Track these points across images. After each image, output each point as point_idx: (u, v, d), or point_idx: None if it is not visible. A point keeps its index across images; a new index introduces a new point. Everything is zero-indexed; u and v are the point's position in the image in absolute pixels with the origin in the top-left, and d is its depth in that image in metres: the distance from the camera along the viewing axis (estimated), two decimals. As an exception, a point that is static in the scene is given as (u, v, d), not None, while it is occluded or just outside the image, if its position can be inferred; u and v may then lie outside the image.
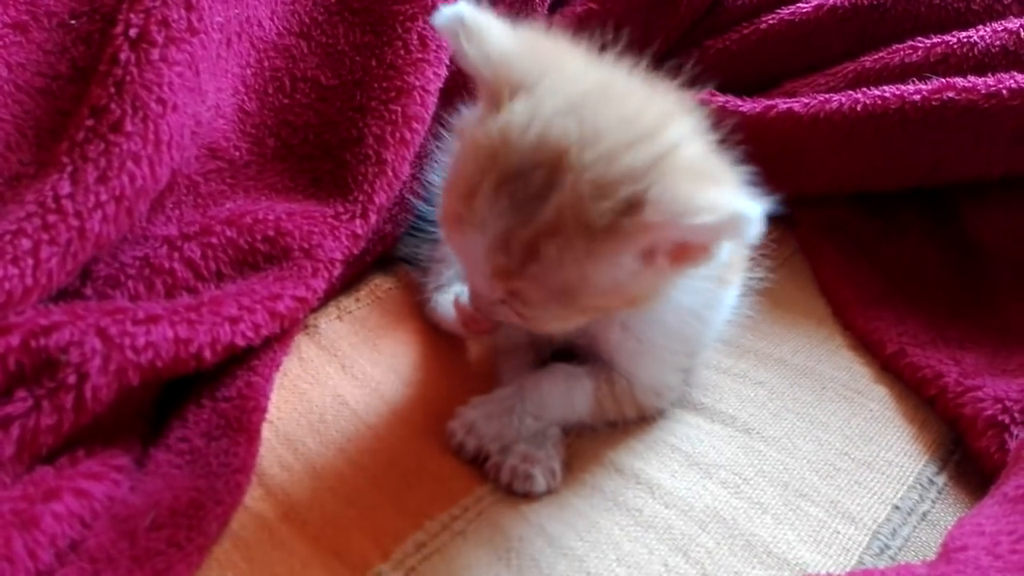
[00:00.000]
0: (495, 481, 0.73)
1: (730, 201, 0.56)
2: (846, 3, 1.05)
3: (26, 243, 0.63)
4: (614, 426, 0.80)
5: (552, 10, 1.08)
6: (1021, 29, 0.94)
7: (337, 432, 0.77)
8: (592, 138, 0.58)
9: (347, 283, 0.93)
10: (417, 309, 0.94)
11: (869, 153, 0.96)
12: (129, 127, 0.69)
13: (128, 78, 0.70)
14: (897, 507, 0.73)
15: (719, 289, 0.75)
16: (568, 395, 0.76)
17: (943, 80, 0.92)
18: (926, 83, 0.93)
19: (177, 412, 0.72)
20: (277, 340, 0.80)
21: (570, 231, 0.57)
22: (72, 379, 0.61)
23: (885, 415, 0.83)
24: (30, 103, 0.74)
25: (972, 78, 0.90)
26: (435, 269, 0.91)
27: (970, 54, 0.95)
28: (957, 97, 0.90)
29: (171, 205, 0.81)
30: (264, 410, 0.74)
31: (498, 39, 0.62)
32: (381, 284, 0.96)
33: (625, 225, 0.57)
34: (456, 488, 0.72)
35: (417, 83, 0.90)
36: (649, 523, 0.70)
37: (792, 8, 1.09)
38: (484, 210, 0.58)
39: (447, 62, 0.94)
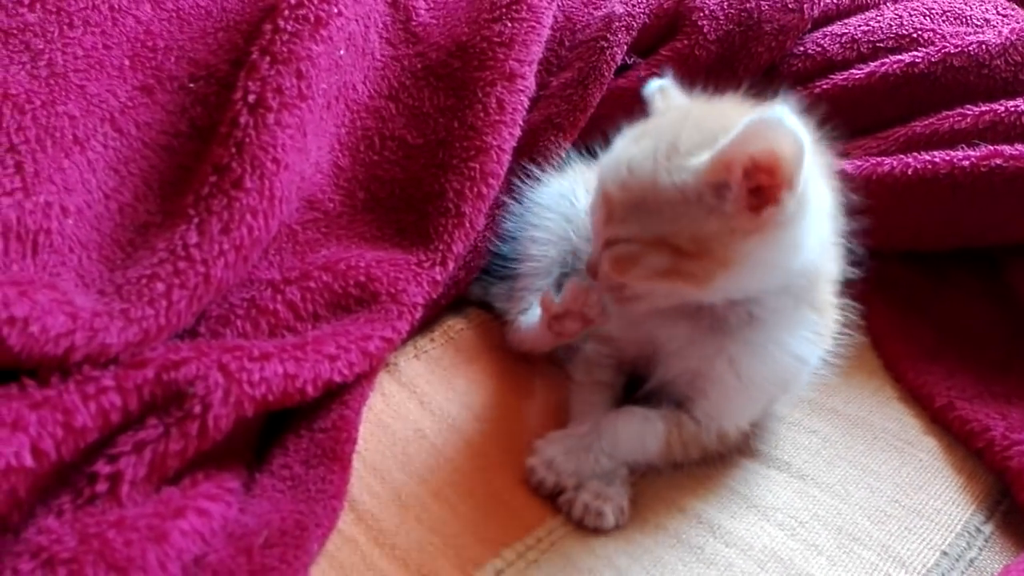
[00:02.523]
0: (567, 515, 0.78)
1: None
2: (897, 71, 1.11)
3: (160, 286, 0.71)
4: (677, 468, 0.85)
5: (619, 74, 1.16)
6: (1069, 101, 0.99)
7: (419, 463, 0.83)
8: (713, 107, 0.79)
9: (423, 325, 1.00)
10: (488, 349, 1.00)
11: (919, 215, 1.01)
12: (248, 184, 0.77)
13: (247, 140, 0.79)
14: (946, 553, 0.77)
15: (817, 347, 0.81)
16: (641, 436, 0.81)
17: (992, 147, 0.97)
18: (975, 149, 0.98)
19: (278, 441, 0.79)
20: (365, 377, 0.87)
21: (658, 147, 0.71)
22: (197, 409, 0.69)
23: (934, 465, 0.87)
24: (155, 159, 0.83)
25: (1020, 146, 0.95)
26: (518, 296, 0.98)
27: (1018, 122, 1.00)
28: (1005, 164, 0.95)
29: (273, 251, 0.89)
30: (355, 441, 0.81)
31: (678, 96, 0.84)
32: (454, 325, 1.03)
33: (700, 153, 0.69)
34: (530, 519, 0.78)
35: (494, 143, 0.98)
36: (711, 560, 0.76)
37: (846, 74, 1.15)
38: (614, 148, 0.77)
39: (520, 124, 1.02)
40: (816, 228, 0.74)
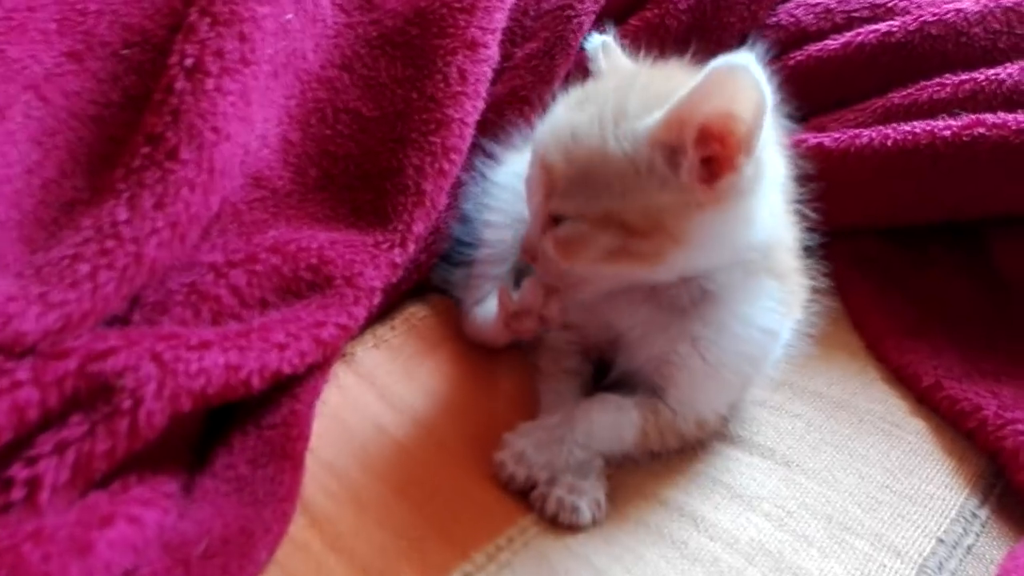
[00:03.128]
0: (540, 512, 0.73)
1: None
2: (874, 40, 1.07)
3: (84, 268, 0.64)
4: (655, 458, 0.80)
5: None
6: (1050, 68, 0.96)
7: (380, 460, 0.77)
8: (665, 71, 0.73)
9: (382, 311, 0.93)
10: (450, 337, 0.94)
11: (899, 188, 0.98)
12: (185, 155, 0.70)
13: (184, 107, 0.72)
14: (942, 540, 0.73)
15: (785, 317, 0.76)
16: (616, 425, 0.76)
17: (973, 116, 0.93)
18: (956, 119, 0.94)
19: (222, 440, 0.72)
20: (318, 368, 0.80)
21: (607, 112, 0.66)
22: (127, 404, 0.61)
23: (924, 448, 0.83)
24: (84, 131, 0.76)
25: (1002, 114, 0.92)
26: (474, 284, 0.92)
27: (998, 91, 0.96)
28: (987, 133, 0.91)
29: (216, 233, 0.82)
30: (307, 438, 0.74)
31: (624, 59, 0.79)
32: (416, 312, 0.97)
33: (652, 115, 0.64)
34: (500, 518, 0.72)
35: (456, 115, 0.91)
36: (695, 556, 0.70)
37: (820, 45, 1.11)
38: (554, 113, 0.71)
39: (484, 96, 0.96)
40: (771, 199, 0.71)
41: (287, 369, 0.73)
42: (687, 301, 0.74)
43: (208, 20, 0.76)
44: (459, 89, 0.92)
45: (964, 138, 0.92)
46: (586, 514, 0.72)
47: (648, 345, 0.77)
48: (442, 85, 0.92)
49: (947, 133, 0.93)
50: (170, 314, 0.74)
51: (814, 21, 1.14)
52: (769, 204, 0.70)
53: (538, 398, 0.84)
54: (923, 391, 0.87)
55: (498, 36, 0.98)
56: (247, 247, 0.81)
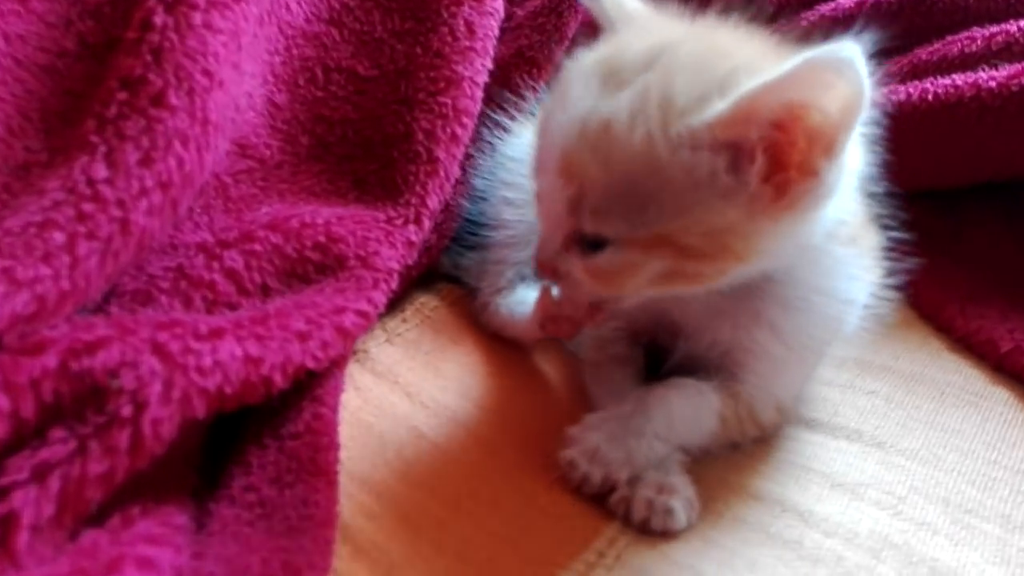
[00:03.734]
0: (625, 518, 0.61)
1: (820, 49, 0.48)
2: (890, -3, 1.01)
3: (59, 237, 0.49)
4: (734, 448, 0.69)
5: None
6: (1085, 15, 0.91)
7: (422, 470, 0.63)
8: (699, 39, 0.56)
9: (390, 303, 0.79)
10: (469, 327, 0.82)
11: (942, 146, 0.91)
12: (174, 100, 0.56)
13: (167, 44, 0.57)
14: (1073, 517, 0.64)
15: (863, 279, 0.66)
16: (697, 413, 0.65)
17: (1019, 65, 0.87)
18: (999, 70, 0.88)
19: (235, 457, 0.58)
20: (337, 366, 0.66)
21: (650, 103, 0.51)
22: (127, 411, 0.47)
23: (1019, 418, 0.75)
24: (33, 82, 0.60)
25: (1048, 64, 0.86)
26: (492, 271, 0.81)
27: (1033, 44, 0.91)
28: (1031, 85, 0.85)
29: (199, 209, 0.67)
30: (338, 448, 0.61)
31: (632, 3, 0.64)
32: (427, 303, 0.83)
33: (711, 105, 0.50)
34: (581, 529, 0.60)
35: (466, 73, 0.80)
36: (815, 557, 0.59)
37: (834, 4, 1.04)
38: (573, 96, 0.54)
39: (492, 54, 0.84)
40: (847, 191, 0.60)
41: (311, 364, 0.60)
42: (758, 282, 0.62)
43: (186, -53, 0.62)
44: (467, 44, 0.80)
45: (1012, 88, 0.86)
46: (681, 516, 0.60)
47: (712, 331, 0.66)
48: (449, 39, 0.80)
49: (992, 84, 0.87)
50: (155, 304, 0.60)
51: (824, -21, 1.07)
52: (846, 195, 0.60)
53: (589, 391, 0.73)
54: (1001, 357, 0.80)
55: (503, -13, 0.87)
56: (239, 225, 0.67)
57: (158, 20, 0.58)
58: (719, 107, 0.49)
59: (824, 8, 1.04)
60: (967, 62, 0.93)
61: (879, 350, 0.83)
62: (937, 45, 0.97)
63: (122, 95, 0.55)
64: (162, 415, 0.48)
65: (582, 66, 0.57)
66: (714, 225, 0.53)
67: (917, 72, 0.96)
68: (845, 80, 0.47)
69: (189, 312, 0.61)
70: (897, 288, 0.71)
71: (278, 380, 0.56)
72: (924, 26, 1.00)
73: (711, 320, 0.66)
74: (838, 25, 1.03)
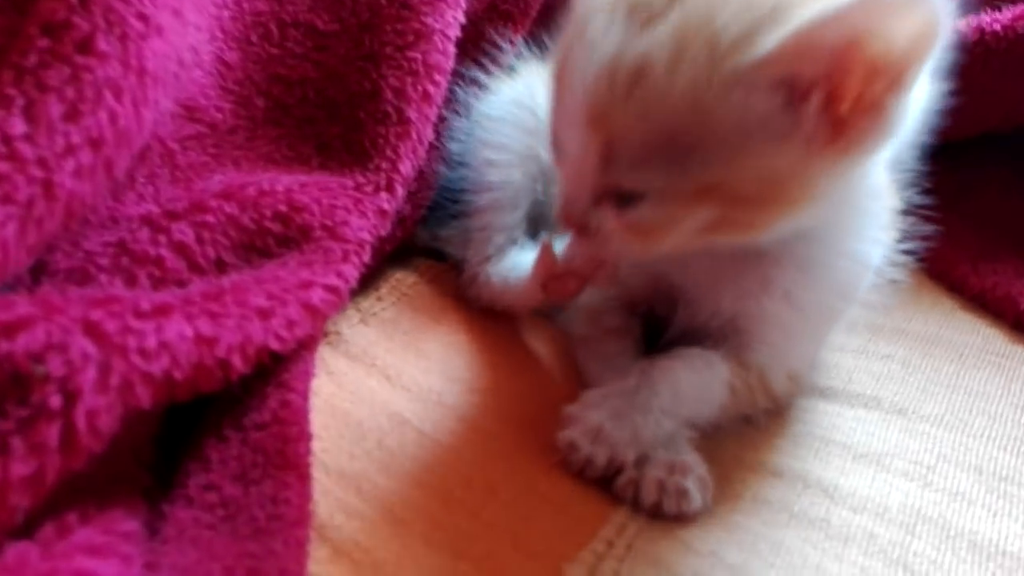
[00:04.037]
0: (634, 502, 0.55)
1: None
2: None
3: (-34, 201, 0.41)
4: (745, 422, 0.63)
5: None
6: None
7: (407, 460, 0.56)
8: None
9: (364, 279, 0.72)
10: (451, 304, 0.75)
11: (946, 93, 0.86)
12: (103, 46, 0.48)
13: (94, -16, 0.50)
14: (1114, 478, 0.60)
15: (881, 240, 0.61)
16: (706, 385, 0.59)
17: (1022, 6, 0.82)
18: (1004, 11, 0.83)
19: (193, 451, 0.51)
20: (306, 348, 0.59)
21: (691, 41, 0.45)
22: (56, 401, 0.39)
23: (1044, 378, 0.70)
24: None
25: (1056, 2, 0.81)
26: (478, 239, 0.74)
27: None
28: (1039, 25, 0.80)
29: (143, 179, 0.60)
30: (309, 438, 0.54)
31: None
32: (403, 279, 0.76)
33: (761, 39, 0.44)
34: (586, 517, 0.54)
35: (436, 25, 0.73)
36: (846, 535, 0.54)
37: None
38: (596, 33, 0.47)
39: (463, 6, 0.77)
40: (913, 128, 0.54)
41: (275, 345, 0.53)
42: (778, 244, 0.56)
43: None
44: (436, -7, 0.73)
45: (1018, 30, 0.81)
46: (696, 498, 0.55)
47: (716, 298, 0.61)
48: (416, -12, 0.73)
49: (997, 27, 0.82)
50: (93, 283, 0.52)
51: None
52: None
53: (581, 367, 0.67)
54: (1020, 314, 0.76)
55: (471, -65, 0.79)
56: (189, 195, 0.60)
57: (82, -43, 0.51)
58: (773, 41, 0.43)
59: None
60: (967, 5, 0.88)
61: (891, 312, 0.76)
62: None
63: (43, 42, 0.48)
64: (98, 405, 0.41)
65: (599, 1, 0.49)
66: (768, 170, 0.47)
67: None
68: (917, 7, 0.41)
69: (137, 291, 0.53)
70: (912, 253, 0.65)
71: (237, 363, 0.49)
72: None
73: (715, 284, 0.60)
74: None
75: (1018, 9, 0.82)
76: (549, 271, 0.62)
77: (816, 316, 0.62)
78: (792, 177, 0.48)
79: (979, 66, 0.83)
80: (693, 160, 0.47)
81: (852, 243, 0.59)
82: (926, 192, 0.88)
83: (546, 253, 0.62)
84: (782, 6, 0.44)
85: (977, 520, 0.56)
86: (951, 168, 0.92)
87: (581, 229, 0.53)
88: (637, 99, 0.46)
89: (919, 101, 0.53)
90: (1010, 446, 0.62)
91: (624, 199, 0.50)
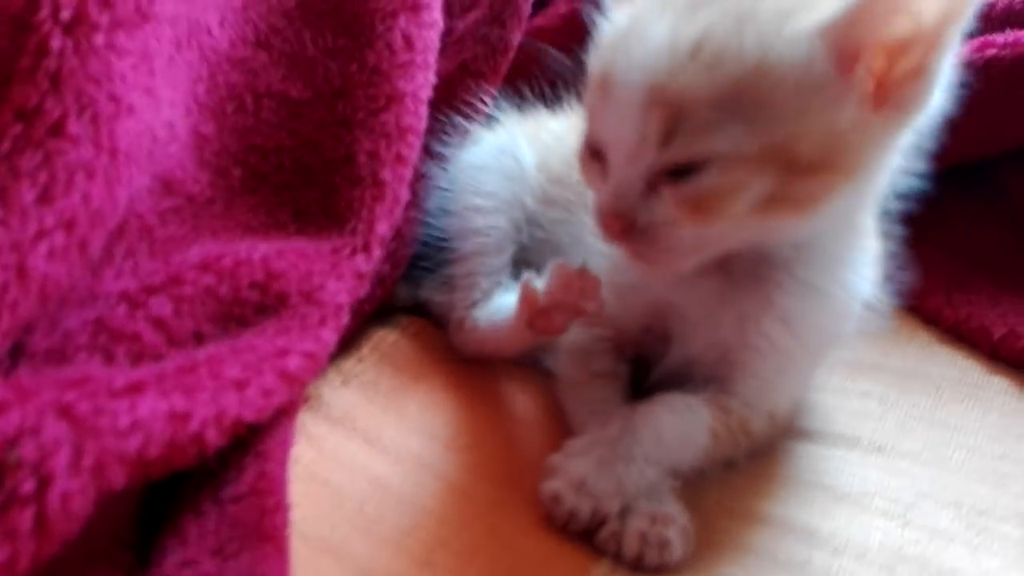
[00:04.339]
0: (615, 555, 0.55)
1: None
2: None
3: (-61, 291, 0.42)
4: (726, 467, 0.64)
5: (535, 10, 0.96)
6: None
7: (388, 525, 0.57)
8: None
9: (345, 341, 0.73)
10: (434, 360, 0.76)
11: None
12: (75, 129, 0.50)
13: (66, 69, 0.51)
14: (1095, 507, 0.60)
15: (868, 274, 0.62)
16: (688, 429, 0.60)
17: (979, 38, 0.84)
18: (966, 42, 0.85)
19: (170, 528, 0.51)
20: (285, 415, 0.60)
21: (749, 9, 0.49)
22: (29, 486, 0.40)
23: (1021, 407, 0.71)
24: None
25: (1012, 31, 0.83)
26: (463, 285, 0.75)
27: (991, 14, 0.88)
28: (1000, 53, 0.82)
29: (121, 254, 0.61)
30: (287, 509, 0.54)
31: None
32: (384, 337, 0.77)
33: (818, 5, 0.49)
34: (568, 573, 0.54)
35: (408, 89, 0.74)
36: (826, 578, 0.54)
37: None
38: (647, 25, 0.51)
39: (434, 67, 0.79)
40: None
41: (250, 415, 0.53)
42: (779, 263, 0.59)
43: (84, -34, 0.57)
44: (407, 58, 0.75)
45: (976, 62, 0.83)
46: (678, 548, 0.55)
47: (714, 327, 0.62)
48: (386, 54, 0.75)
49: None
50: (71, 363, 0.53)
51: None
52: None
53: (568, 414, 0.67)
54: (996, 344, 0.76)
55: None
56: (167, 268, 0.61)
57: (55, 44, 0.52)
58: (836, 8, 0.48)
59: None
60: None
61: (868, 348, 0.78)
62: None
63: (16, 128, 0.49)
64: (72, 488, 0.41)
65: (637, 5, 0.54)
66: (826, 130, 0.50)
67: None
68: None
69: (112, 368, 0.54)
70: (890, 289, 0.66)
71: (212, 437, 0.50)
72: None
73: (711, 312, 0.61)
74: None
75: (974, 42, 0.84)
76: (533, 307, 0.63)
77: (809, 344, 0.62)
78: (847, 139, 0.50)
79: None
80: (760, 120, 0.49)
81: (847, 273, 0.61)
82: (899, 222, 0.89)
83: (527, 290, 0.63)
84: None
85: (957, 557, 0.56)
86: (922, 197, 0.94)
87: (628, 228, 0.53)
88: (704, 64, 0.48)
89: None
90: (987, 479, 0.63)
91: (683, 173, 0.51)
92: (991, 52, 0.82)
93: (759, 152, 0.49)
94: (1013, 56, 0.81)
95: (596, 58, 0.56)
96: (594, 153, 0.56)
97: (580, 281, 0.61)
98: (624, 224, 0.53)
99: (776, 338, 0.60)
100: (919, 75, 0.49)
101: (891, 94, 0.49)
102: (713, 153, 0.49)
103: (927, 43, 0.48)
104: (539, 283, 0.63)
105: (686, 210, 0.51)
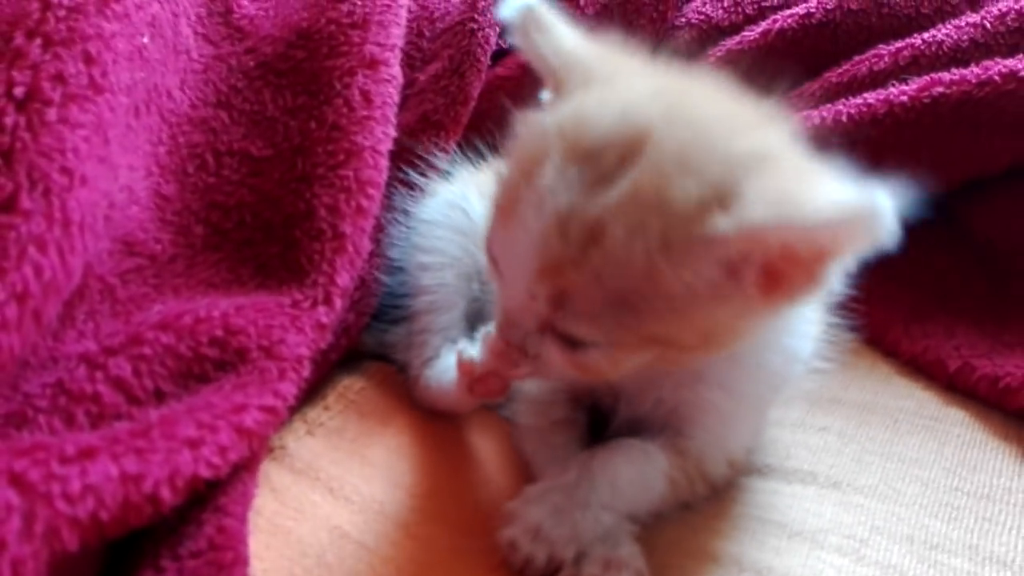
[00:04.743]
0: (572, 601, 0.56)
1: (852, 193, 0.45)
2: (794, 24, 1.00)
3: None
4: (683, 509, 0.65)
5: (495, 61, 0.98)
6: (985, 21, 0.91)
7: (346, 573, 0.58)
8: (681, 121, 0.49)
9: (310, 390, 0.74)
10: (400, 407, 0.77)
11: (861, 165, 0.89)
12: (26, 204, 0.51)
13: (18, 145, 0.53)
14: (1044, 539, 0.61)
15: (809, 336, 0.64)
16: (645, 476, 0.61)
17: (928, 77, 0.87)
18: (908, 84, 0.88)
19: (129, 585, 0.52)
20: (245, 468, 0.61)
21: (645, 212, 0.47)
22: (-21, 556, 0.41)
23: (976, 439, 0.72)
24: None
25: (957, 70, 0.86)
26: (417, 342, 0.77)
27: (939, 52, 0.91)
28: (947, 91, 0.84)
29: (83, 316, 0.62)
30: (246, 562, 0.55)
31: (568, 33, 0.57)
32: (351, 385, 0.78)
33: (713, 219, 0.46)
34: (523, 619, 0.55)
35: (367, 143, 0.76)
36: (778, 616, 0.55)
37: (738, 37, 1.04)
38: (546, 186, 0.49)
39: (393, 121, 0.81)
40: None
41: (206, 472, 0.54)
42: None
43: (39, 41, 0.59)
44: (365, 113, 0.77)
45: (924, 100, 0.85)
46: (632, 593, 0.56)
47: (656, 389, 0.63)
48: (344, 110, 0.77)
49: (904, 98, 0.86)
50: (31, 427, 0.54)
51: (725, 15, 1.06)
52: None
53: (528, 459, 0.68)
54: (952, 376, 0.77)
55: (398, 55, 0.84)
56: (127, 328, 0.62)
57: (8, 120, 0.54)
58: (726, 229, 0.46)
59: (730, 43, 1.03)
60: (877, 80, 0.93)
61: (827, 382, 0.79)
62: (846, 66, 0.97)
63: (-32, 206, 0.51)
64: (23, 554, 0.42)
65: (547, 140, 0.50)
66: (709, 324, 0.51)
67: (829, 95, 0.95)
68: (869, 231, 0.43)
69: (73, 431, 0.55)
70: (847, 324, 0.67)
71: (167, 496, 0.51)
72: (830, 50, 0.99)
73: (651, 381, 0.62)
74: (745, 57, 1.02)
75: (922, 81, 0.87)
76: (470, 376, 0.64)
77: (751, 404, 0.65)
78: (728, 328, 0.52)
79: (892, 137, 0.87)
80: (642, 317, 0.49)
81: (783, 339, 0.62)
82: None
83: (461, 360, 0.64)
84: (729, 177, 0.47)
85: (908, 592, 0.57)
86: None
87: (520, 353, 0.55)
88: (591, 261, 0.48)
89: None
90: (941, 513, 0.64)
91: (571, 342, 0.52)
92: (938, 90, 0.85)
93: (640, 339, 0.50)
94: (959, 94, 0.84)
95: (511, 164, 0.54)
96: (492, 260, 0.56)
97: (511, 351, 0.62)
98: (516, 348, 0.55)
99: (715, 400, 0.61)
100: (809, 279, 0.48)
101: (780, 288, 0.49)
102: (596, 339, 0.51)
103: (819, 259, 0.47)
104: (473, 351, 0.64)
105: (573, 369, 0.53)
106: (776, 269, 0.48)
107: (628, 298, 0.48)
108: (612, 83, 0.53)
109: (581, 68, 0.55)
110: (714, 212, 0.46)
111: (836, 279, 0.50)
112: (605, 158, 0.48)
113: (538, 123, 0.53)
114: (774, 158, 0.49)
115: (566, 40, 0.56)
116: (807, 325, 0.64)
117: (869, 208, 0.43)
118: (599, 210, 0.47)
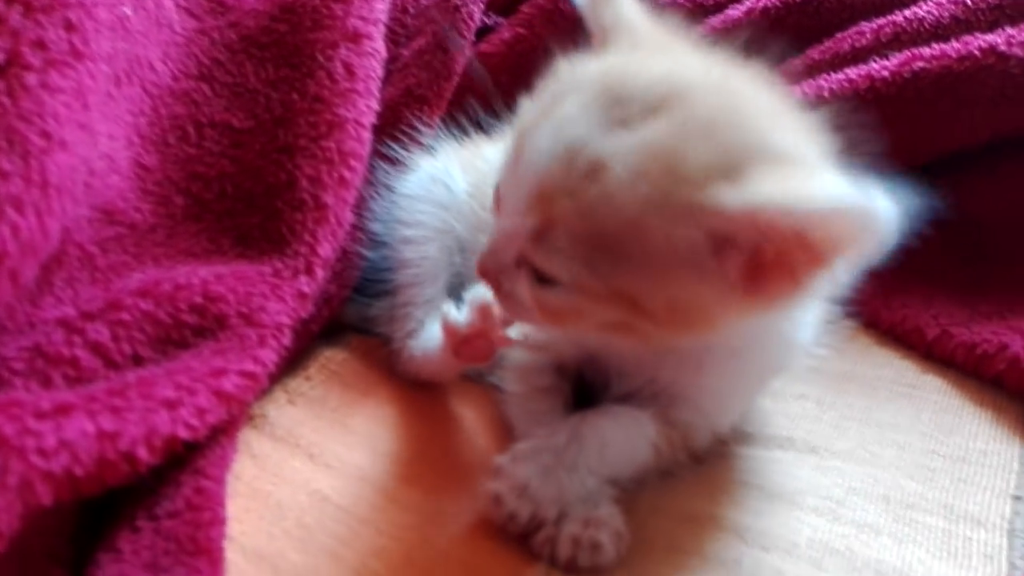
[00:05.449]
0: (550, 559, 0.56)
1: (852, 192, 0.43)
2: (778, 2, 1.01)
3: None
4: (665, 475, 0.65)
5: (479, 37, 0.98)
6: (964, -3, 0.91)
7: (326, 536, 0.58)
8: (720, 95, 0.50)
9: (292, 360, 0.75)
10: (382, 378, 0.77)
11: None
12: (5, 165, 0.52)
13: (-1, 110, 0.53)
14: (1018, 497, 0.61)
15: (808, 323, 0.64)
16: (632, 444, 0.61)
17: (908, 52, 0.87)
18: (889, 59, 0.88)
19: (105, 542, 0.52)
20: (224, 432, 0.61)
21: (654, 162, 0.47)
22: (-49, 506, 0.41)
23: (952, 404, 0.73)
24: None
25: (937, 45, 0.86)
26: (400, 315, 0.77)
27: (921, 29, 0.91)
28: (928, 66, 0.85)
29: (61, 283, 0.62)
30: (223, 522, 0.55)
31: (630, 2, 0.59)
32: (333, 357, 0.79)
33: (715, 188, 0.45)
34: (502, 576, 0.55)
35: (349, 115, 0.77)
36: (754, 574, 0.55)
37: (721, 16, 1.04)
38: (565, 115, 0.50)
39: (376, 95, 0.81)
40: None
41: (183, 433, 0.54)
42: None
43: (20, 8, 0.59)
44: (348, 86, 0.78)
45: (904, 75, 0.86)
46: (610, 550, 0.56)
47: (646, 370, 0.64)
48: (327, 83, 0.77)
49: (886, 74, 0.87)
50: (8, 389, 0.54)
51: (708, -6, 1.07)
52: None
53: (512, 423, 0.69)
54: (930, 344, 0.78)
55: (382, 29, 0.84)
56: (106, 295, 0.62)
57: (-13, 85, 0.54)
58: (726, 200, 0.45)
59: (714, 21, 1.04)
60: (858, 56, 0.93)
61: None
62: (828, 43, 0.97)
63: (-53, 166, 0.51)
64: (-4, 507, 0.43)
65: (580, 80, 0.52)
66: (681, 298, 0.50)
67: (811, 71, 0.95)
68: (868, 232, 0.43)
69: (43, 392, 0.55)
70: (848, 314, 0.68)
71: (143, 455, 0.51)
72: (813, 26, 1.00)
73: (647, 361, 0.63)
74: (729, 35, 1.02)
75: (903, 56, 0.87)
76: (456, 338, 0.65)
77: (746, 388, 0.66)
78: (701, 310, 0.51)
79: (873, 111, 0.87)
80: (616, 267, 0.49)
81: (783, 326, 0.62)
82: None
83: (448, 322, 0.65)
84: (742, 157, 0.46)
85: (883, 549, 0.57)
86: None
87: (495, 285, 0.56)
88: (587, 195, 0.48)
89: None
90: (916, 474, 0.64)
91: (541, 278, 0.52)
92: (919, 65, 0.85)
93: (608, 292, 0.50)
94: (939, 68, 0.84)
95: (529, 108, 0.55)
96: (497, 194, 0.57)
97: (495, 309, 0.63)
98: (492, 282, 0.56)
99: (713, 385, 0.62)
100: (793, 284, 0.48)
101: (761, 288, 0.48)
102: (563, 279, 0.51)
103: (808, 261, 0.46)
104: (458, 314, 0.65)
105: (538, 311, 0.54)
106: (762, 263, 0.47)
107: (608, 243, 0.48)
108: (663, 52, 0.55)
109: (634, 33, 0.56)
110: (718, 183, 0.46)
111: (823, 285, 0.49)
112: (632, 105, 0.49)
113: (573, 67, 0.54)
114: (793, 161, 0.48)
115: (626, 6, 0.58)
116: (808, 315, 0.64)
117: (868, 208, 0.42)
118: (610, 149, 0.47)
